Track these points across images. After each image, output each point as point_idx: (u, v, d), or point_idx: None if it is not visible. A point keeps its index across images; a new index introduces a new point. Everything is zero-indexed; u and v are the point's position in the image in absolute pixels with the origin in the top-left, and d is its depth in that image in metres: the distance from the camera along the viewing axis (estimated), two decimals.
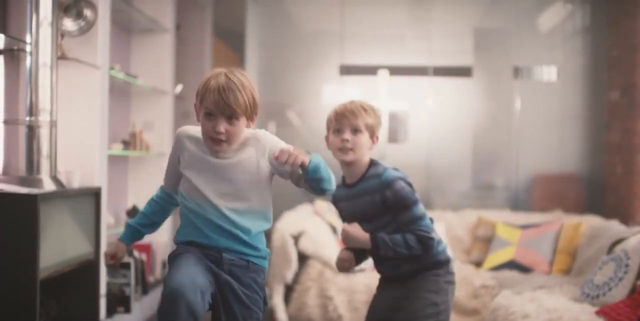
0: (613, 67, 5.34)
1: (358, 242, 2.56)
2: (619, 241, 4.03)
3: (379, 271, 2.77)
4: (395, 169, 2.61)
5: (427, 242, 2.53)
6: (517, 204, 5.55)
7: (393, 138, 5.65)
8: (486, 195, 5.63)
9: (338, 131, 2.56)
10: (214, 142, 2.19)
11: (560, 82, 5.58)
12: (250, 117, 2.24)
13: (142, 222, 2.48)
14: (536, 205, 5.54)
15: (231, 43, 6.75)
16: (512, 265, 4.72)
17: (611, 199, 5.31)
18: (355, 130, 2.55)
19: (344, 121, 2.55)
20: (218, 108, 2.15)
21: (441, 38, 5.66)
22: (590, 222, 4.85)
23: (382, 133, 5.63)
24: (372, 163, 2.63)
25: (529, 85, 5.63)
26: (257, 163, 2.24)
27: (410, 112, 5.68)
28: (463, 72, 5.66)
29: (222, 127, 2.16)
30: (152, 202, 2.53)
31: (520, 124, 5.59)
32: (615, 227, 4.53)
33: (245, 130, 2.25)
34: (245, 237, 2.24)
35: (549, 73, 5.63)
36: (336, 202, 2.72)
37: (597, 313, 3.32)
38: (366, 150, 2.58)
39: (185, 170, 2.30)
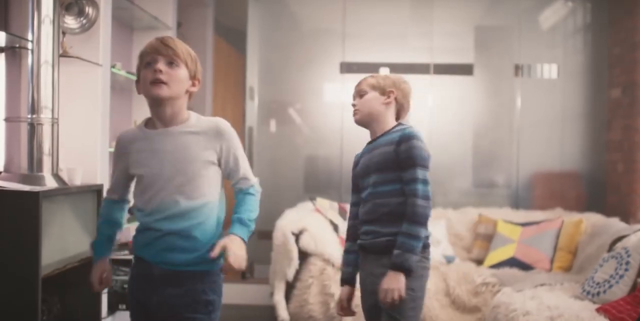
0: (614, 65, 5.34)
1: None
2: (619, 238, 4.04)
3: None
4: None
5: (421, 211, 2.55)
6: (517, 202, 5.56)
7: None
8: (487, 192, 5.63)
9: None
10: (153, 85, 2.15)
11: (561, 80, 5.58)
12: (192, 74, 2.23)
13: (104, 229, 2.45)
14: (537, 203, 5.54)
15: (232, 41, 6.75)
16: (513, 262, 4.73)
17: (612, 197, 5.31)
18: (360, 94, 2.76)
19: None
20: (156, 51, 2.16)
21: (442, 36, 5.65)
22: (591, 219, 4.85)
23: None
24: (400, 123, 2.77)
25: (530, 83, 5.62)
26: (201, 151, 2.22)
27: (411, 110, 5.66)
28: (464, 69, 5.66)
29: (162, 66, 2.15)
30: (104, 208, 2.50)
31: (521, 122, 5.59)
32: (616, 224, 4.53)
33: (188, 108, 2.25)
34: None
35: (549, 71, 5.63)
36: (356, 163, 2.79)
37: (598, 310, 3.32)
38: (378, 108, 2.73)
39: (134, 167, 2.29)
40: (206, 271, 2.23)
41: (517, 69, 5.62)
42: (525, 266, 4.68)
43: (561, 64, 5.58)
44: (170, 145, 2.21)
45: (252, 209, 2.26)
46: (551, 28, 5.65)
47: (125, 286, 4.35)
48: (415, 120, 5.66)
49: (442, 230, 5.07)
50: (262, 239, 5.69)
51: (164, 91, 2.16)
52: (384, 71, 5.67)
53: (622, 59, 5.19)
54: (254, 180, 2.33)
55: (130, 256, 4.45)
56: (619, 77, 5.24)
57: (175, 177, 2.19)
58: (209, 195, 2.22)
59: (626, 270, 3.57)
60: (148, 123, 2.31)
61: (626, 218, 4.89)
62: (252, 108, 5.82)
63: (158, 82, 2.15)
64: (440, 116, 5.65)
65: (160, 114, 2.22)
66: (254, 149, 5.77)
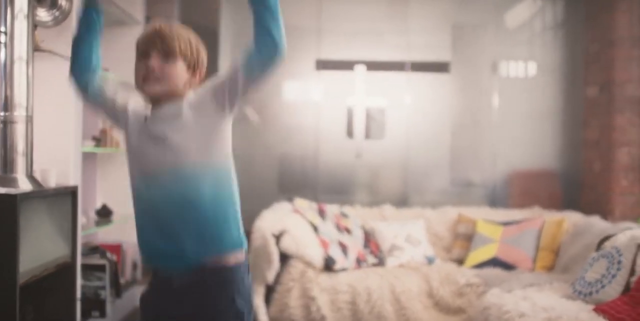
0: (591, 62, 5.33)
1: None
2: (607, 238, 4.00)
3: None
4: None
5: None
6: (495, 201, 5.51)
7: (370, 134, 5.55)
8: (464, 192, 5.57)
9: None
10: (146, 82, 1.99)
11: (538, 78, 5.55)
12: (191, 65, 2.05)
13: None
14: (514, 201, 5.50)
15: (203, 37, 6.58)
16: (495, 262, 4.67)
17: (589, 195, 5.30)
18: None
19: None
20: (150, 44, 2.01)
21: (418, 33, 5.58)
22: (571, 218, 4.83)
23: (359, 129, 5.53)
24: None
25: (507, 81, 5.59)
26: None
27: (387, 108, 5.58)
28: (441, 67, 5.59)
29: (155, 61, 1.99)
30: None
31: (497, 120, 5.55)
32: (598, 223, 4.51)
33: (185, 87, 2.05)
34: None
35: (526, 69, 5.60)
36: None
37: (596, 311, 3.27)
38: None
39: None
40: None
41: (494, 66, 5.57)
42: (507, 266, 4.63)
43: (538, 61, 5.56)
44: (161, 131, 2.02)
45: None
46: (527, 25, 5.62)
47: (100, 292, 4.16)
48: (392, 118, 5.58)
49: (421, 230, 4.99)
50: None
51: (156, 88, 2.00)
52: (360, 69, 5.56)
53: (599, 57, 5.18)
54: None
55: (102, 262, 4.27)
56: (596, 75, 5.23)
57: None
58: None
59: (618, 269, 3.53)
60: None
61: (604, 216, 4.88)
62: None
63: (150, 79, 2.00)
64: (417, 114, 5.58)
65: (157, 107, 2.06)
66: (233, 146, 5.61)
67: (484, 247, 4.78)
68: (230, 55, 5.57)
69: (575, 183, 5.48)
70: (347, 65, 5.54)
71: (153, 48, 2.00)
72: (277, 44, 1.91)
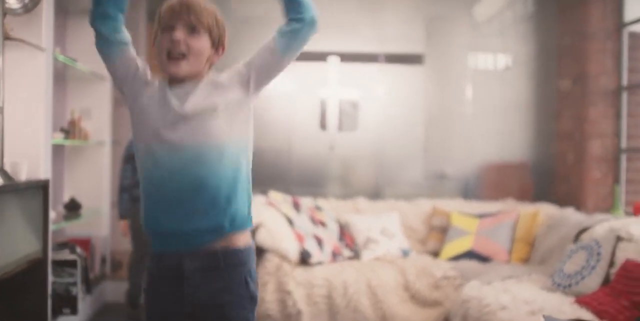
0: (564, 55, 5.34)
1: None
2: (584, 229, 4.01)
3: None
4: None
5: None
6: (468, 193, 5.50)
7: (343, 126, 5.50)
8: (438, 184, 5.55)
9: None
10: (170, 58, 1.90)
11: (511, 70, 5.55)
12: (215, 42, 1.95)
13: None
14: (487, 194, 5.50)
15: None
16: (471, 254, 4.66)
17: (562, 187, 5.33)
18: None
19: None
20: (175, 16, 1.90)
21: (392, 25, 5.53)
22: (546, 210, 4.84)
23: (332, 121, 5.48)
24: None
25: (480, 73, 5.57)
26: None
27: (360, 100, 5.53)
28: (414, 59, 5.55)
29: (180, 34, 1.90)
30: None
31: (471, 112, 5.54)
32: (573, 215, 4.52)
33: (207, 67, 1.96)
34: None
35: (499, 61, 5.59)
36: None
37: (579, 303, 3.27)
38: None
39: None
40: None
41: (467, 58, 5.56)
42: (483, 259, 4.63)
43: (511, 53, 5.55)
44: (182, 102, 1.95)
45: None
46: (500, 17, 5.60)
47: (71, 289, 4.05)
48: (366, 110, 5.53)
49: (396, 223, 4.96)
50: None
51: (182, 69, 1.91)
52: (334, 60, 5.50)
53: (572, 49, 5.20)
54: None
55: (73, 257, 4.15)
56: (569, 67, 5.24)
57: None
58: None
59: (598, 261, 3.54)
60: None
61: (577, 208, 4.90)
62: None
63: (176, 57, 1.90)
64: (391, 106, 5.54)
65: (177, 88, 1.96)
66: None
67: (459, 240, 4.76)
68: None
69: (548, 175, 5.50)
70: (320, 57, 5.47)
71: (179, 20, 1.91)
72: (310, 9, 1.96)
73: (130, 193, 4.62)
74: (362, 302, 4.26)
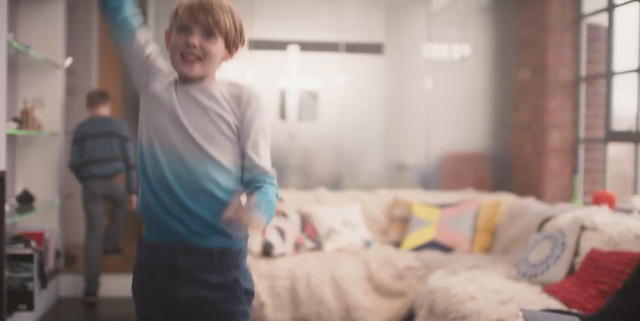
0: (523, 46, 5.37)
1: None
2: (547, 219, 4.05)
3: None
4: None
5: None
6: (428, 183, 5.51)
7: (303, 116, 5.44)
8: (398, 174, 5.55)
9: None
10: (185, 60, 1.87)
11: (470, 60, 5.56)
12: (230, 45, 1.93)
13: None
14: (446, 184, 5.52)
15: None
16: (433, 245, 4.67)
17: (520, 177, 5.37)
18: None
19: None
20: (193, 18, 1.86)
21: (352, 13, 5.48)
22: (506, 200, 4.87)
23: (292, 111, 5.42)
24: None
25: (440, 63, 5.57)
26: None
27: (320, 90, 5.48)
28: (374, 48, 5.52)
29: (197, 39, 1.87)
30: None
31: (430, 102, 5.54)
32: (534, 204, 4.56)
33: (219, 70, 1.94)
34: None
35: (458, 51, 5.60)
36: None
37: (548, 292, 3.29)
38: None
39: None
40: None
41: (427, 48, 5.55)
42: (445, 249, 4.64)
43: (470, 44, 5.56)
44: (189, 105, 1.92)
45: (273, 199, 1.86)
46: (459, 7, 5.60)
47: (27, 284, 3.91)
48: (326, 100, 5.48)
49: (357, 213, 4.94)
50: None
51: (195, 71, 1.89)
52: (294, 49, 5.43)
53: (531, 41, 5.23)
54: (269, 168, 1.93)
55: (29, 251, 4.01)
56: (528, 58, 5.28)
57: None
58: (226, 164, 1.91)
59: (563, 250, 3.57)
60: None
61: (536, 198, 4.95)
62: None
63: (190, 59, 1.87)
64: (351, 96, 5.50)
65: (188, 85, 1.93)
66: None
67: (421, 230, 4.76)
68: (155, 31, 5.33)
69: (507, 166, 5.54)
70: (280, 46, 5.40)
71: (195, 22, 1.87)
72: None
73: (78, 172, 4.93)
74: (326, 293, 4.23)
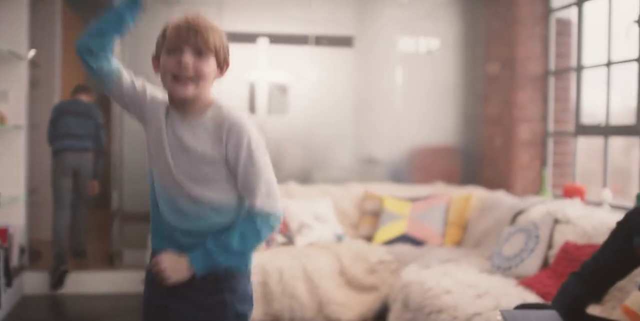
0: (493, 39, 5.39)
1: None
2: (519, 212, 4.06)
3: None
4: None
5: None
6: (398, 177, 5.50)
7: (273, 110, 5.39)
8: (368, 168, 5.52)
9: None
10: (178, 81, 1.83)
11: (440, 53, 5.56)
12: (220, 63, 1.90)
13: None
14: (416, 177, 5.51)
15: (82, 12, 6.20)
16: (405, 238, 4.66)
17: (490, 171, 5.39)
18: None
19: None
20: (183, 38, 1.82)
21: (322, 6, 5.43)
22: (477, 193, 4.88)
23: (262, 104, 5.36)
24: None
25: (410, 56, 5.56)
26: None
27: (290, 83, 5.43)
28: (344, 41, 5.48)
29: (188, 58, 1.82)
30: None
31: (400, 96, 5.52)
32: (505, 198, 4.58)
33: (213, 96, 1.91)
34: None
35: (428, 44, 5.59)
36: None
37: (521, 285, 3.30)
38: None
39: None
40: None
41: (397, 41, 5.53)
42: (417, 242, 4.64)
43: (440, 37, 5.56)
44: (178, 138, 1.90)
45: (236, 236, 1.83)
46: (431, 0, 5.57)
47: None
48: (296, 93, 5.43)
49: (328, 207, 4.91)
50: (130, 222, 5.27)
51: (189, 91, 1.84)
52: (263, 42, 5.37)
53: (501, 34, 5.24)
54: (260, 203, 1.85)
55: None
56: (498, 51, 5.29)
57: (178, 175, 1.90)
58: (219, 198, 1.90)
59: (536, 243, 3.59)
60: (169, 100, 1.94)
61: (506, 191, 4.97)
62: None
63: (183, 80, 1.83)
64: (321, 89, 5.46)
65: (180, 106, 1.90)
66: (124, 127, 5.29)
67: (393, 224, 4.75)
68: None
69: (476, 159, 5.55)
70: (250, 38, 5.33)
71: (186, 42, 1.83)
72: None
73: (53, 145, 5.25)
74: (298, 288, 4.20)
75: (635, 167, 4.26)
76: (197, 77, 1.83)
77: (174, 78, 1.83)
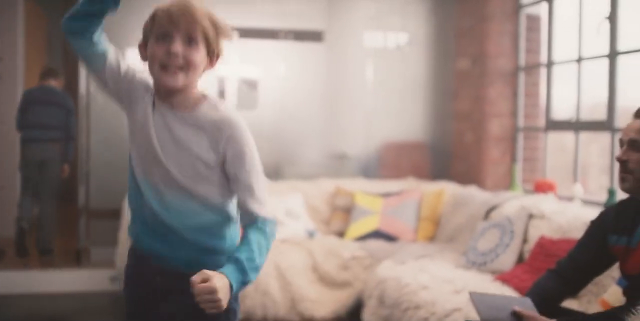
0: (462, 35, 5.39)
1: None
2: (493, 207, 4.08)
3: None
4: None
5: None
6: (368, 173, 5.49)
7: (242, 104, 5.33)
8: (338, 164, 5.50)
9: None
10: (166, 71, 1.73)
11: (410, 49, 5.55)
12: (212, 53, 1.81)
13: None
14: (386, 173, 5.50)
15: (45, 4, 6.08)
16: (377, 234, 4.65)
17: (460, 166, 5.41)
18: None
19: None
20: (173, 25, 1.72)
21: (293, 0, 5.38)
22: (449, 189, 4.89)
23: (231, 99, 5.30)
24: None
25: (380, 52, 5.54)
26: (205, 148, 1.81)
27: (260, 77, 5.37)
28: (314, 36, 5.44)
29: (179, 46, 1.73)
30: None
31: (370, 91, 5.50)
32: (477, 193, 4.58)
33: (200, 90, 1.84)
34: None
35: (398, 40, 5.58)
36: None
37: (498, 280, 3.31)
38: None
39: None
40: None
41: (367, 36, 5.51)
42: (390, 238, 4.63)
43: (410, 32, 5.55)
44: (167, 132, 1.81)
45: (256, 249, 1.72)
46: None
47: None
48: (265, 88, 5.39)
49: (300, 204, 4.88)
50: (97, 219, 5.18)
51: (178, 82, 1.75)
52: (233, 36, 5.30)
53: (471, 30, 5.25)
54: (266, 213, 1.80)
55: None
56: (468, 47, 5.30)
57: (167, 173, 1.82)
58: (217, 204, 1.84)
59: (512, 238, 3.61)
60: (155, 90, 1.84)
61: (477, 186, 4.98)
62: (84, 75, 5.19)
63: (173, 69, 1.74)
64: (291, 84, 5.41)
65: (168, 98, 1.81)
66: (91, 120, 5.18)
67: (365, 219, 4.74)
68: None
69: (446, 154, 5.56)
70: None
71: (176, 28, 1.73)
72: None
73: (22, 134, 5.27)
74: (271, 285, 4.16)
75: (596, 162, 4.31)
76: (187, 66, 1.75)
77: (162, 67, 1.74)
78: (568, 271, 2.37)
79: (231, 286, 1.63)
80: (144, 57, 1.80)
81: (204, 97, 1.83)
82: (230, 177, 1.80)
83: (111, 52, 1.82)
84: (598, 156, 5.85)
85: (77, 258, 5.24)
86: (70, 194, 5.97)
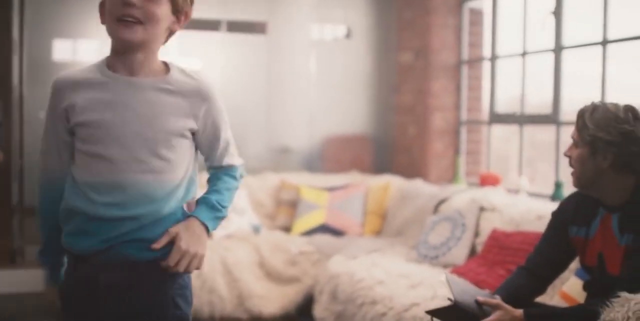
0: (405, 28, 5.39)
1: None
2: (442, 201, 4.09)
3: None
4: None
5: None
6: (312, 166, 5.44)
7: None
8: (282, 157, 5.43)
9: None
10: (122, 24, 1.58)
11: (352, 42, 5.52)
12: (178, 12, 1.68)
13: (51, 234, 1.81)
14: (329, 167, 5.47)
15: None
16: (324, 228, 4.61)
17: (403, 159, 5.41)
18: None
19: None
20: None
21: None
22: (393, 182, 4.88)
23: None
24: None
25: (322, 44, 5.49)
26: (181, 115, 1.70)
27: (201, 70, 5.25)
28: (257, 28, 5.35)
29: None
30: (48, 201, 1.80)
31: (313, 84, 5.45)
32: (423, 186, 4.59)
33: (161, 45, 1.72)
34: None
35: (341, 32, 5.55)
36: None
37: (454, 274, 3.31)
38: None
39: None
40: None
41: (310, 29, 5.45)
42: (337, 232, 4.59)
43: (352, 25, 5.51)
44: (136, 100, 1.64)
45: (226, 192, 1.77)
46: None
47: None
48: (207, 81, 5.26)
49: (244, 198, 4.79)
50: (33, 217, 4.96)
51: (136, 35, 1.60)
52: None
53: (413, 23, 5.25)
54: (238, 162, 1.84)
55: None
56: (411, 41, 5.30)
57: (135, 147, 1.63)
58: (178, 175, 1.70)
59: (463, 231, 3.62)
60: (110, 63, 1.68)
61: (422, 180, 4.99)
62: (17, 66, 4.96)
63: (129, 21, 1.58)
64: (232, 76, 5.30)
65: (128, 61, 1.66)
66: (24, 113, 4.97)
67: (311, 214, 4.69)
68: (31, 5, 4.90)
69: (389, 148, 5.56)
70: None
71: None
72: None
73: None
74: (217, 281, 4.07)
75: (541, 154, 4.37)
76: (146, 19, 1.60)
77: (118, 20, 1.59)
78: (535, 266, 2.36)
79: (205, 227, 1.66)
80: (103, 18, 1.67)
81: (168, 65, 1.73)
82: (204, 142, 1.77)
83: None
84: (546, 149, 5.94)
85: (11, 258, 5.02)
86: (3, 192, 5.71)
